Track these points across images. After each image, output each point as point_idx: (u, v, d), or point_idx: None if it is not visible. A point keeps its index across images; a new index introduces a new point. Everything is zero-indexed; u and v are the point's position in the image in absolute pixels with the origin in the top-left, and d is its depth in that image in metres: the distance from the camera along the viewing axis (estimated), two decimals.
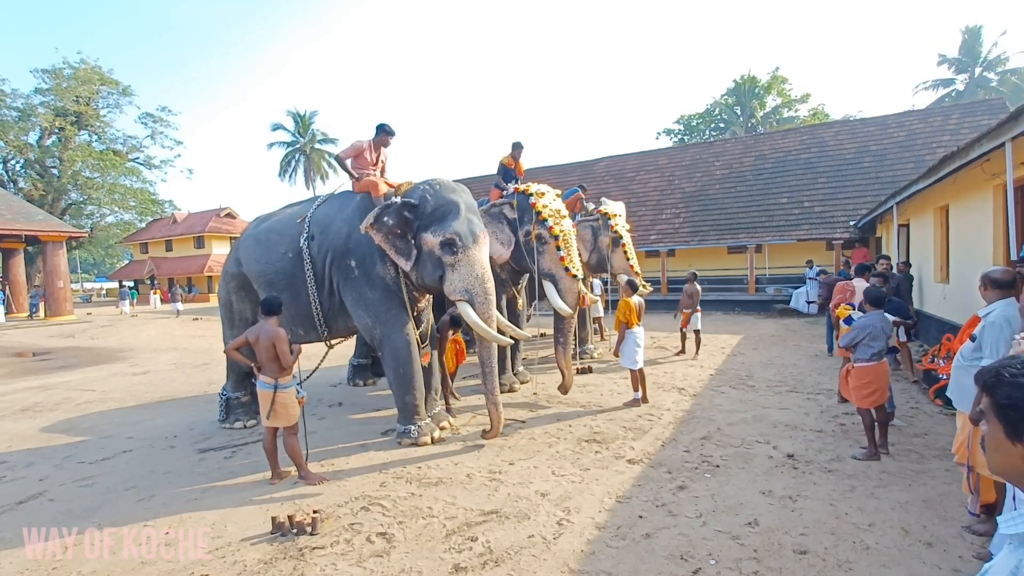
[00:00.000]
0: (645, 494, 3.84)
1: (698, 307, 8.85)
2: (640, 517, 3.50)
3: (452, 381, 6.48)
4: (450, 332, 6.17)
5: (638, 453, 4.65)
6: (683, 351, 9.20)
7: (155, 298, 27.70)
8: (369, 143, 5.67)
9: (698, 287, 8.91)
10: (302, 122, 43.01)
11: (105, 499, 4.19)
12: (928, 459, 4.28)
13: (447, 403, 6.10)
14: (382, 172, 5.79)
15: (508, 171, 7.43)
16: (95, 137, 33.28)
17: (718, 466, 4.30)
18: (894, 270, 7.77)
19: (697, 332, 9.01)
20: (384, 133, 5.75)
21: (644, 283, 7.33)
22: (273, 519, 3.52)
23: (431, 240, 4.96)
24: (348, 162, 5.58)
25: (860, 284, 6.31)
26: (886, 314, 4.49)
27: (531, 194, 6.66)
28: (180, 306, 22.70)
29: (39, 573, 3.15)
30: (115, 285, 43.05)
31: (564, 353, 6.48)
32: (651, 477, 4.14)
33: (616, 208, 9.03)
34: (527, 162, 8.26)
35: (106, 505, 4.07)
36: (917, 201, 9.34)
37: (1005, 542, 0.93)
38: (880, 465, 4.17)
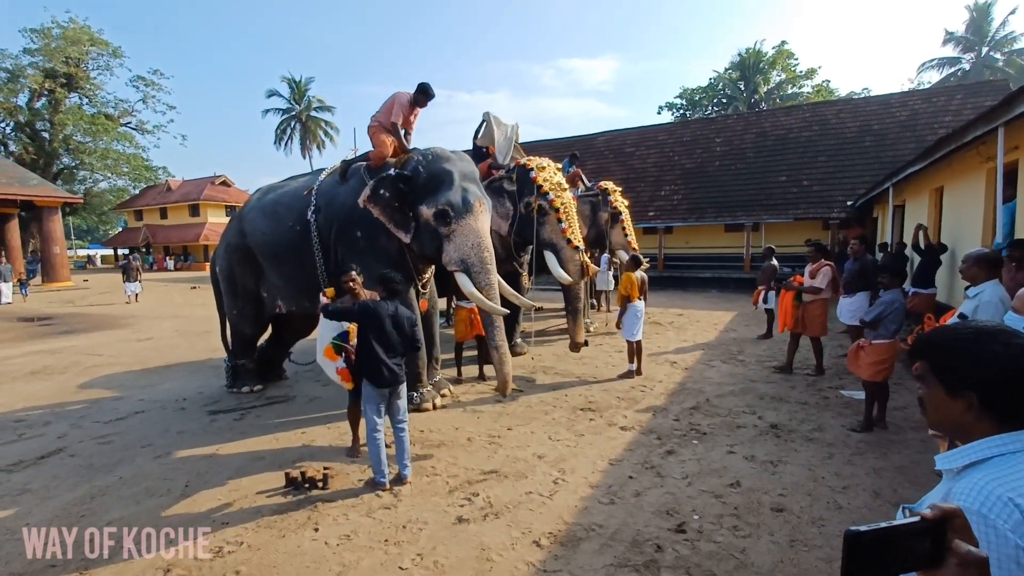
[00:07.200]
0: (635, 457, 4.08)
1: (772, 284, 8.05)
2: (630, 478, 3.74)
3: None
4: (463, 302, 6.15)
5: (630, 421, 4.89)
6: (767, 334, 8.43)
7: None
8: (409, 98, 5.56)
9: (775, 263, 8.44)
10: (298, 88, 42.05)
11: (124, 455, 4.41)
12: (904, 430, 4.53)
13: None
14: (407, 135, 5.71)
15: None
16: (85, 100, 32.62)
17: (705, 434, 4.54)
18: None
19: (770, 311, 8.26)
20: (422, 94, 5.57)
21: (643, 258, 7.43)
22: (287, 474, 3.74)
23: (426, 212, 4.95)
24: (399, 123, 5.41)
25: None
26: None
27: (532, 168, 6.74)
28: (138, 287, 16.58)
29: (69, 519, 3.37)
30: (109, 252, 42.89)
31: (575, 319, 6.77)
32: (641, 443, 4.38)
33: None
34: (524, 136, 8.30)
35: (125, 460, 4.29)
36: (913, 182, 9.44)
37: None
38: (859, 435, 4.41)
